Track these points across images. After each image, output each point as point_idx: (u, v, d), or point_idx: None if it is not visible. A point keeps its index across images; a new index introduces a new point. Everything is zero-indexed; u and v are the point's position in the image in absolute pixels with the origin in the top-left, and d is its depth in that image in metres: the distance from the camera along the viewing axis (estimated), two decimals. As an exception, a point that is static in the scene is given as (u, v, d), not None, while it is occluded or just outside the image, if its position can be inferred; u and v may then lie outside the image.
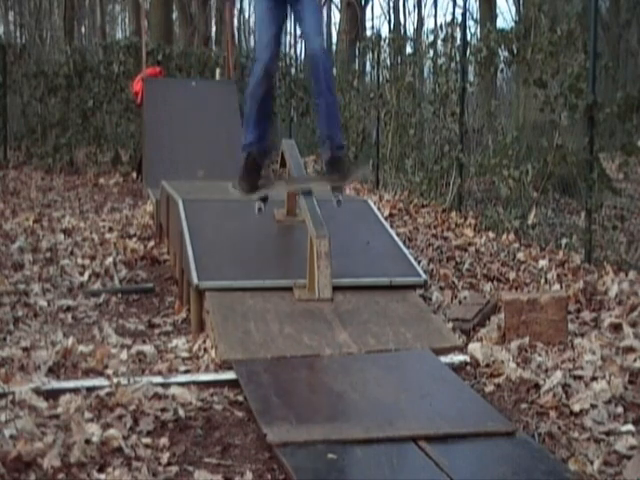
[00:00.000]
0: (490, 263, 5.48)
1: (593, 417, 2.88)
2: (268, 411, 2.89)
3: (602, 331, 3.87)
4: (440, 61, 8.84)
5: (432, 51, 9.34)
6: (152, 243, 6.22)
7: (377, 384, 3.20)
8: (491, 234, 6.41)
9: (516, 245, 6.02)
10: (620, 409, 2.95)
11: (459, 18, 8.18)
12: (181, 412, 2.91)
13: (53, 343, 3.69)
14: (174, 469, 2.50)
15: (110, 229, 6.82)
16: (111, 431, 2.66)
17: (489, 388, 3.27)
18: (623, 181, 7.23)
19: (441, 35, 8.73)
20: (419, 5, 32.97)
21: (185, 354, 3.63)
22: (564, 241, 5.90)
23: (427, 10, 60.03)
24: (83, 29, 32.30)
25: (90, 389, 3.05)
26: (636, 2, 16.10)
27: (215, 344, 3.61)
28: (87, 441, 2.57)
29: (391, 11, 32.42)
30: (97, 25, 31.60)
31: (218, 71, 11.71)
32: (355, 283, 4.19)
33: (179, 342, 3.81)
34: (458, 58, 7.93)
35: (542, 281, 4.91)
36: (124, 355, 3.54)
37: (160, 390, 3.06)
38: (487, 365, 3.48)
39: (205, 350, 3.65)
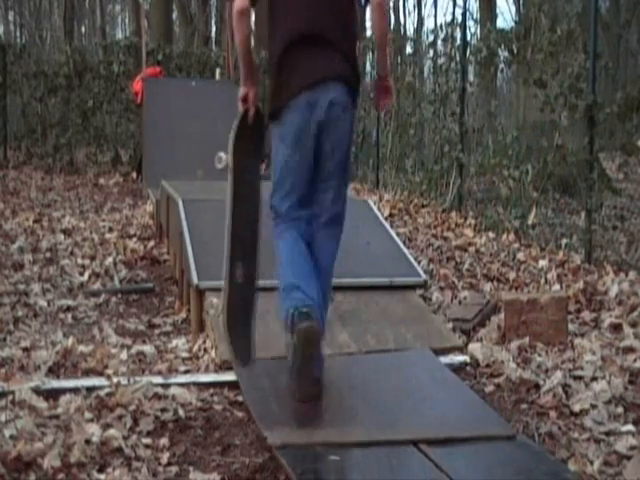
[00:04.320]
0: (490, 263, 5.48)
1: (593, 417, 2.88)
2: (268, 414, 2.88)
3: (602, 331, 3.87)
4: (440, 61, 8.85)
5: (432, 51, 9.36)
6: (152, 243, 6.21)
7: (377, 385, 3.19)
8: (491, 234, 6.41)
9: (516, 245, 6.02)
10: (620, 409, 2.95)
11: (459, 18, 8.22)
12: (181, 412, 2.91)
13: (53, 343, 3.69)
14: (174, 469, 2.50)
15: (110, 229, 6.82)
16: (111, 431, 2.66)
17: (489, 388, 3.27)
18: (623, 181, 7.23)
19: (441, 35, 8.75)
20: (419, 5, 33.03)
21: (185, 354, 3.63)
22: (564, 241, 5.90)
23: (427, 10, 60.10)
24: (83, 29, 32.31)
25: (90, 389, 3.05)
26: (636, 2, 16.10)
27: (215, 344, 3.61)
28: (87, 441, 2.57)
29: (391, 11, 32.42)
30: (97, 25, 31.61)
31: (218, 71, 11.71)
32: (355, 283, 4.19)
33: (179, 342, 3.81)
34: (458, 58, 7.93)
35: (542, 281, 4.90)
36: (124, 355, 3.54)
37: (160, 390, 3.06)
38: (487, 365, 3.47)
39: (205, 350, 3.65)
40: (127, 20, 33.66)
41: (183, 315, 4.42)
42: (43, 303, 4.55)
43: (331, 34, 3.13)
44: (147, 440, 2.67)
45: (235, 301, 3.13)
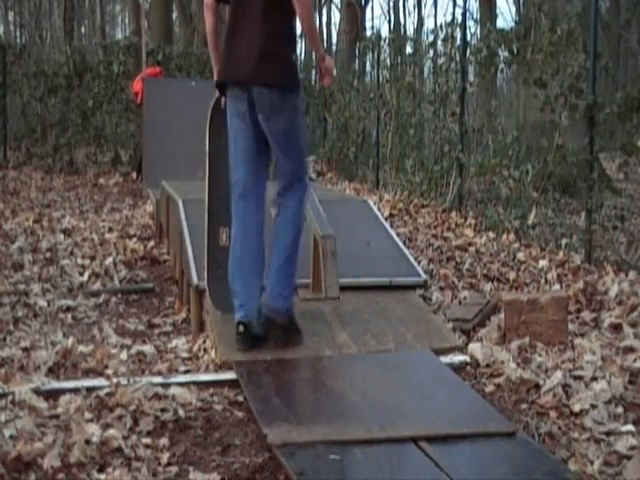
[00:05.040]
0: (490, 263, 5.48)
1: (593, 417, 2.88)
2: (268, 411, 2.89)
3: (602, 331, 3.87)
4: (440, 61, 8.85)
5: (432, 51, 9.35)
6: (152, 243, 6.22)
7: (377, 384, 3.20)
8: (491, 234, 6.41)
9: (516, 245, 6.02)
10: (620, 409, 2.95)
11: (459, 18, 8.20)
12: (181, 412, 2.91)
13: (53, 343, 3.69)
14: (174, 469, 2.50)
15: (110, 229, 6.82)
16: (111, 431, 2.66)
17: (489, 388, 3.27)
18: (623, 181, 7.23)
19: (441, 35, 8.74)
20: (419, 5, 33.07)
21: (185, 354, 3.63)
22: (564, 241, 5.90)
23: (427, 10, 60.21)
24: (83, 29, 32.31)
25: (90, 389, 3.05)
26: (636, 2, 16.09)
27: (215, 345, 3.61)
28: (87, 441, 2.57)
29: (391, 11, 32.47)
30: (97, 25, 31.62)
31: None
32: (355, 283, 4.19)
33: (179, 342, 3.81)
34: (458, 58, 7.93)
35: (542, 281, 4.90)
36: (124, 355, 3.54)
37: (160, 390, 3.06)
38: (487, 365, 3.47)
39: (205, 350, 3.65)
40: (127, 20, 33.69)
41: (183, 315, 4.43)
42: (43, 303, 4.56)
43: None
44: (147, 440, 2.67)
45: (220, 261, 3.66)
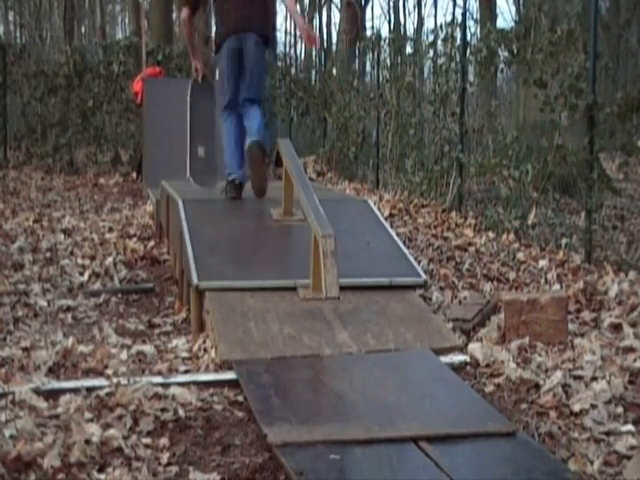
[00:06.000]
0: (490, 263, 5.48)
1: (593, 417, 2.88)
2: (268, 411, 2.89)
3: (602, 331, 3.87)
4: (440, 61, 8.84)
5: (432, 51, 9.34)
6: (152, 243, 6.22)
7: (377, 384, 3.20)
8: (491, 234, 6.41)
9: (516, 245, 6.02)
10: (620, 409, 2.95)
11: (459, 18, 8.19)
12: (181, 412, 2.91)
13: (53, 343, 3.69)
14: (174, 469, 2.50)
15: (110, 229, 6.82)
16: (111, 431, 2.66)
17: (489, 388, 3.27)
18: (623, 181, 7.22)
19: (441, 35, 8.73)
20: (419, 5, 33.07)
21: (185, 354, 3.63)
22: (564, 241, 5.90)
23: (427, 10, 60.24)
24: (83, 29, 32.32)
25: (90, 389, 3.05)
26: (636, 2, 16.09)
27: (215, 344, 3.61)
28: (87, 441, 2.57)
29: (391, 11, 32.48)
30: (97, 25, 31.62)
31: (218, 71, 11.70)
32: (355, 283, 4.19)
33: (179, 342, 3.81)
34: (458, 58, 7.93)
35: (542, 281, 4.90)
36: (124, 355, 3.54)
37: (160, 390, 3.06)
38: (487, 365, 3.48)
39: (205, 350, 3.65)
40: (127, 20, 33.68)
41: (183, 315, 4.43)
42: (43, 303, 4.56)
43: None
44: (147, 440, 2.67)
45: (199, 165, 6.30)
